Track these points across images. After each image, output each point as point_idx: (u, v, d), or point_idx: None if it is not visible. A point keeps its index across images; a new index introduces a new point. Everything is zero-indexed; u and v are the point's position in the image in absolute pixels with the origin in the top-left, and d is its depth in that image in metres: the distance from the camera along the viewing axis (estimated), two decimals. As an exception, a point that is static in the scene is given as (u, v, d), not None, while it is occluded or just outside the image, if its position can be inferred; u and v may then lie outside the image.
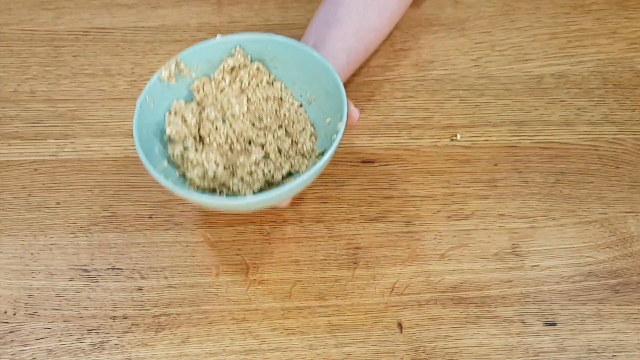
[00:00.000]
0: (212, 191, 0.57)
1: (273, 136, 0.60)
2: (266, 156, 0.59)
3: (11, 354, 0.56)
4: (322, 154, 0.58)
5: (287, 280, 0.60)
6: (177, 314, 0.58)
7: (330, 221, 0.63)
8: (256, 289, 0.59)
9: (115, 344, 0.56)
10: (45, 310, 0.58)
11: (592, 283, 0.60)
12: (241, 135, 0.59)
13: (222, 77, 0.61)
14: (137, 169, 0.66)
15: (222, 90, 0.61)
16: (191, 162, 0.57)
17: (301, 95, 0.62)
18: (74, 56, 0.75)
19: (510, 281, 0.60)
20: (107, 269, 0.60)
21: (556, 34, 0.76)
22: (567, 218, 0.63)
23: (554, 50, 0.75)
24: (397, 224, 0.63)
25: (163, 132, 0.59)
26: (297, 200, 0.64)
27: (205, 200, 0.53)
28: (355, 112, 0.61)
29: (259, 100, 0.61)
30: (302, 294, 0.59)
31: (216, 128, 0.59)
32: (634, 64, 0.74)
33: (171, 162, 0.58)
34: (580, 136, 0.69)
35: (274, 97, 0.61)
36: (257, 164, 0.57)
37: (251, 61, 0.61)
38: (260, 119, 0.61)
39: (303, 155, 0.60)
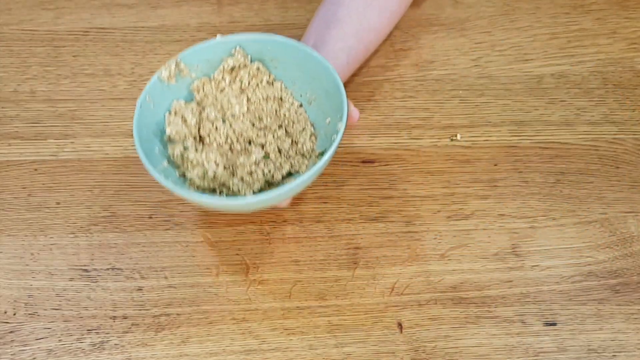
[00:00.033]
0: (212, 191, 0.57)
1: (273, 136, 0.60)
2: (266, 156, 0.59)
3: (11, 354, 0.56)
4: (322, 154, 0.58)
5: (287, 280, 0.60)
6: (177, 314, 0.58)
7: (330, 221, 0.63)
8: (256, 289, 0.59)
9: (115, 344, 0.56)
10: (45, 310, 0.58)
11: (592, 283, 0.60)
12: (241, 135, 0.59)
13: (222, 77, 0.61)
14: (137, 169, 0.66)
15: (222, 90, 0.61)
16: (191, 162, 0.57)
17: (301, 95, 0.62)
18: (74, 56, 0.75)
19: (510, 281, 0.60)
20: (107, 269, 0.60)
21: (556, 34, 0.76)
22: (567, 218, 0.63)
23: (554, 50, 0.75)
24: (397, 224, 0.63)
25: (163, 132, 0.59)
26: (297, 200, 0.64)
27: (205, 200, 0.53)
28: (355, 112, 0.61)
29: (259, 100, 0.61)
30: (302, 294, 0.59)
31: (216, 128, 0.59)
32: (634, 64, 0.74)
33: (171, 162, 0.58)
34: (580, 136, 0.69)
35: (274, 97, 0.61)
36: (257, 164, 0.57)
37: (251, 61, 0.61)
38: (260, 119, 0.61)
39: (303, 155, 0.60)
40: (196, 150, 0.57)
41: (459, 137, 0.68)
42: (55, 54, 0.75)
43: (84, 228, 0.63)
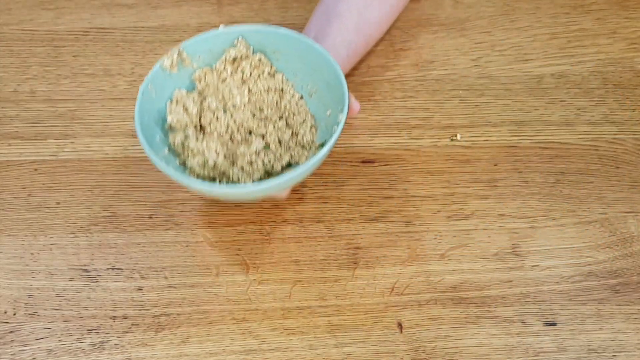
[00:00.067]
0: (212, 180, 0.57)
1: (273, 127, 0.60)
2: (266, 146, 0.59)
3: (11, 354, 0.56)
4: (322, 145, 0.58)
5: (287, 280, 0.60)
6: (177, 314, 0.58)
7: (330, 221, 0.63)
8: (256, 289, 0.59)
9: (115, 344, 0.56)
10: (45, 310, 0.58)
11: (592, 283, 0.60)
12: (242, 125, 0.60)
13: (224, 68, 0.61)
14: (137, 169, 0.66)
15: (223, 81, 0.61)
16: (192, 150, 0.57)
17: (302, 87, 0.62)
18: (74, 56, 0.75)
19: (510, 281, 0.60)
20: (107, 269, 0.60)
21: (556, 34, 0.76)
22: (567, 218, 0.63)
23: (554, 50, 0.75)
24: (397, 224, 0.63)
25: (164, 120, 0.59)
26: (297, 200, 0.64)
27: (205, 187, 0.53)
28: (356, 104, 0.61)
29: (260, 91, 0.61)
30: (302, 294, 0.59)
31: (217, 118, 0.59)
32: (634, 64, 0.74)
33: (172, 150, 0.58)
34: (580, 136, 0.69)
35: (275, 88, 0.62)
36: (257, 154, 0.58)
37: (253, 52, 0.61)
38: (261, 110, 0.61)
39: (303, 146, 0.60)
40: (197, 139, 0.58)
41: (459, 137, 0.68)
42: (55, 54, 0.75)
43: (84, 228, 0.63)
